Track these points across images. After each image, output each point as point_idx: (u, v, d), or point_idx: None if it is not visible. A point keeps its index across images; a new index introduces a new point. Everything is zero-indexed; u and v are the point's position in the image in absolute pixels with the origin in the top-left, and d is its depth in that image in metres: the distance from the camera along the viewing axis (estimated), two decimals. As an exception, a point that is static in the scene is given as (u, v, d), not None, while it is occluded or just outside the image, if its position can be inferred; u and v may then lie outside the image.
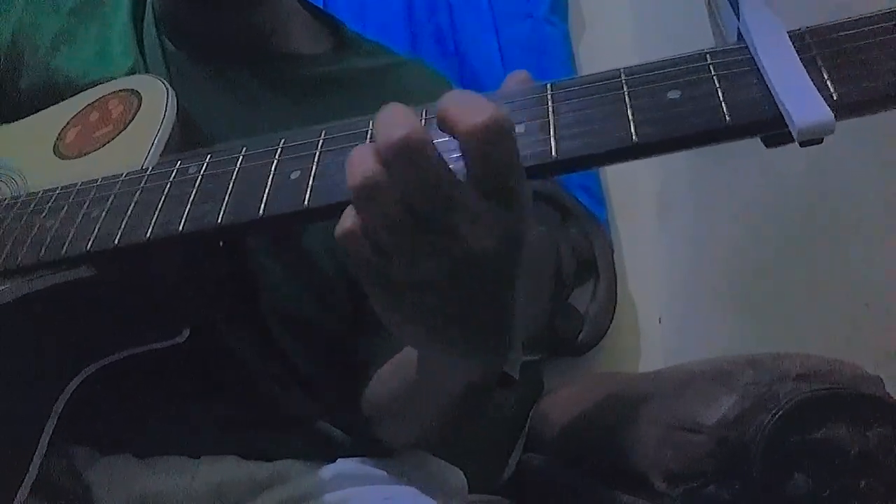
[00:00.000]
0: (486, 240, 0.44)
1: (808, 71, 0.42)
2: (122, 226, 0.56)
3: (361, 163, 0.43)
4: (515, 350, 0.74)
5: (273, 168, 0.53)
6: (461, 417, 0.65)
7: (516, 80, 0.50)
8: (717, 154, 1.28)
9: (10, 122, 0.77)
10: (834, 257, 1.11)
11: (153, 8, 0.82)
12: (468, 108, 0.42)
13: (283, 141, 0.54)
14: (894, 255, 0.99)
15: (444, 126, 0.43)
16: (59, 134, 0.70)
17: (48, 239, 0.58)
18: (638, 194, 1.62)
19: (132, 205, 0.57)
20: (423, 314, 0.48)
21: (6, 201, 0.65)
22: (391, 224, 0.43)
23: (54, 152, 0.69)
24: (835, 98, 0.41)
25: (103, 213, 0.57)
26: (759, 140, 0.45)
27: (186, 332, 0.62)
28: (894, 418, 0.75)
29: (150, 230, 0.54)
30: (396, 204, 0.43)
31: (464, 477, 0.83)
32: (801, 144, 0.41)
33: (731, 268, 1.36)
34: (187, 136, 0.67)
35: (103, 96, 0.72)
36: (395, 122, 0.43)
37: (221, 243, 0.64)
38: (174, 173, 0.57)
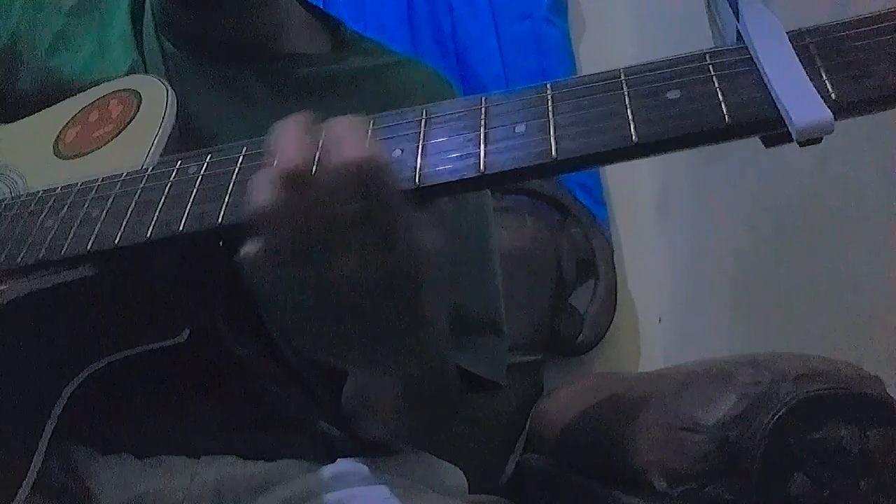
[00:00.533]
0: (360, 266, 0.46)
1: (806, 71, 0.42)
2: (123, 226, 0.56)
3: (259, 190, 0.46)
4: (499, 354, 0.75)
5: None
6: (425, 416, 0.67)
7: None
8: (717, 154, 1.28)
9: (9, 122, 0.77)
10: (834, 257, 1.10)
11: (152, 8, 0.82)
12: (344, 141, 0.46)
13: (283, 141, 0.54)
14: (894, 256, 0.99)
15: (323, 156, 0.46)
16: (59, 134, 0.70)
17: (48, 239, 0.58)
18: (638, 194, 1.62)
19: (132, 205, 0.57)
20: (309, 331, 0.51)
21: (6, 201, 0.65)
22: (282, 246, 0.46)
23: (54, 152, 0.69)
24: (833, 98, 0.41)
25: (103, 213, 0.57)
26: (758, 140, 0.45)
27: (186, 332, 0.62)
28: (894, 418, 0.75)
29: (150, 230, 0.54)
30: (290, 228, 0.45)
31: (464, 477, 0.83)
32: (801, 144, 0.41)
33: (731, 268, 1.36)
34: (187, 135, 0.67)
35: (103, 96, 0.72)
36: (288, 146, 0.46)
37: (221, 243, 0.64)
38: (174, 173, 0.57)
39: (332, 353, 0.55)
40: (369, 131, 0.51)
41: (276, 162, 0.46)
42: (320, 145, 0.47)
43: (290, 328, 0.52)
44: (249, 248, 0.48)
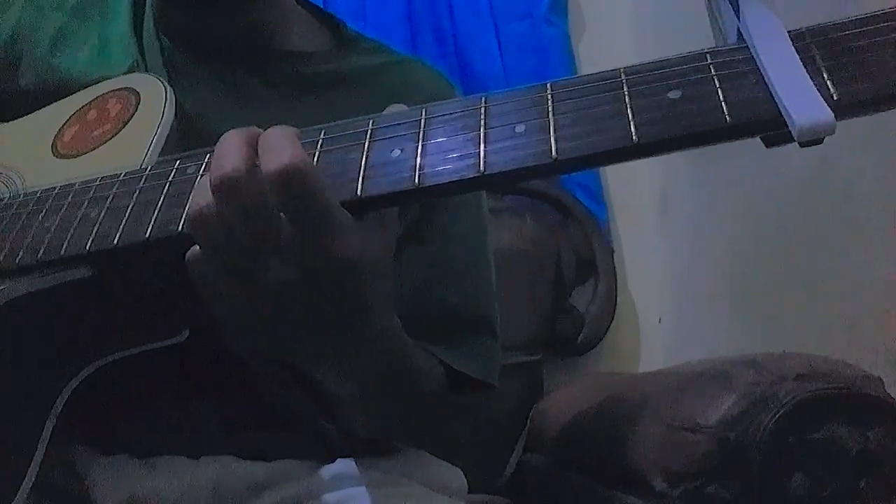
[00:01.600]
0: (291, 272, 0.49)
1: (808, 71, 0.42)
2: (122, 225, 0.56)
3: (195, 196, 0.49)
4: (492, 356, 0.75)
5: None
6: (378, 406, 0.68)
7: None
8: (717, 154, 1.28)
9: (8, 121, 0.77)
10: (834, 257, 1.10)
11: (153, 7, 0.81)
12: (276, 150, 0.47)
13: (282, 140, 0.54)
14: (894, 256, 0.99)
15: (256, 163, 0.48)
16: (58, 133, 0.70)
17: (47, 239, 0.58)
18: (638, 194, 1.62)
19: (131, 204, 0.57)
20: (253, 332, 0.54)
21: (4, 201, 0.65)
22: (216, 251, 0.49)
23: (52, 151, 0.69)
24: (835, 98, 0.41)
25: (102, 213, 0.57)
26: (759, 140, 0.45)
27: (186, 332, 0.62)
28: (894, 418, 0.75)
29: (149, 230, 0.54)
30: (222, 233, 0.48)
31: (464, 477, 0.83)
32: (801, 145, 0.41)
33: (732, 268, 1.36)
34: (186, 135, 0.67)
35: (102, 95, 0.72)
36: (222, 154, 0.48)
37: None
38: (173, 172, 0.57)
39: (277, 353, 0.57)
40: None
41: (211, 170, 0.48)
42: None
43: (236, 329, 0.55)
44: (189, 254, 0.50)
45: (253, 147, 0.49)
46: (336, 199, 0.48)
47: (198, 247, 0.50)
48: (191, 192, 0.54)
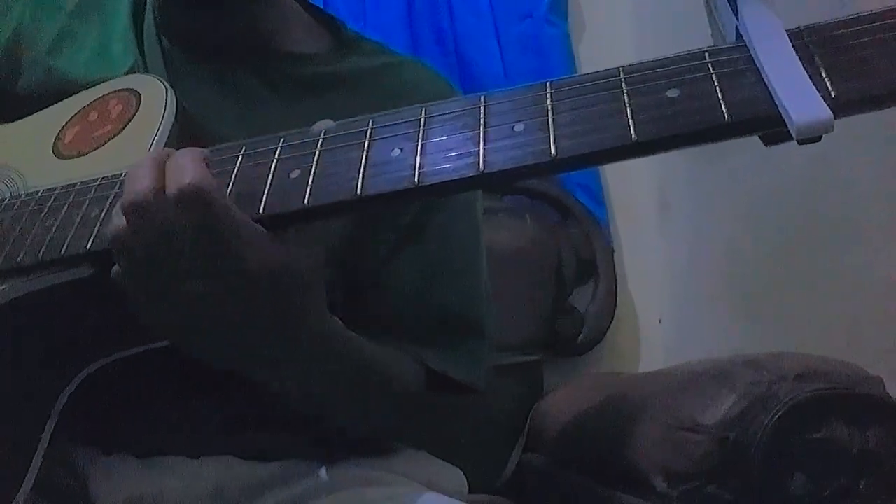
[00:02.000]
0: (204, 284, 0.51)
1: (806, 69, 0.42)
2: (122, 225, 0.56)
3: (112, 218, 0.52)
4: (479, 358, 0.76)
5: (273, 167, 0.53)
6: (338, 405, 0.70)
7: None
8: (716, 153, 1.28)
9: (9, 122, 0.77)
10: (834, 257, 1.11)
11: (153, 8, 0.82)
12: (176, 169, 0.50)
13: (282, 140, 0.54)
14: (894, 256, 0.99)
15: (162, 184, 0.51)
16: (59, 133, 0.70)
17: (47, 239, 0.58)
18: (638, 194, 1.62)
19: None
20: (186, 341, 0.56)
21: (5, 201, 0.65)
22: (134, 266, 0.52)
23: (53, 152, 0.69)
24: (833, 96, 0.41)
25: (103, 213, 0.57)
26: (758, 140, 0.45)
27: (186, 332, 0.62)
28: (894, 418, 0.75)
29: None
30: (139, 251, 0.51)
31: (464, 477, 0.83)
32: (800, 142, 0.41)
33: (732, 268, 1.36)
34: (186, 135, 0.67)
35: (103, 96, 0.72)
36: (132, 177, 0.51)
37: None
38: None
39: (213, 360, 0.59)
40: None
41: (124, 193, 0.51)
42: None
43: (172, 339, 0.57)
44: (113, 270, 0.53)
45: (161, 169, 0.52)
46: (246, 216, 0.51)
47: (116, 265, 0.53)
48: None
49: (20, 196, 0.65)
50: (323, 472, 0.73)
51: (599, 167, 1.54)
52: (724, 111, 0.43)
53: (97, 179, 0.61)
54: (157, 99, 0.68)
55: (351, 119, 0.53)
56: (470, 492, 0.84)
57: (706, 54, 0.46)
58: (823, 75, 0.42)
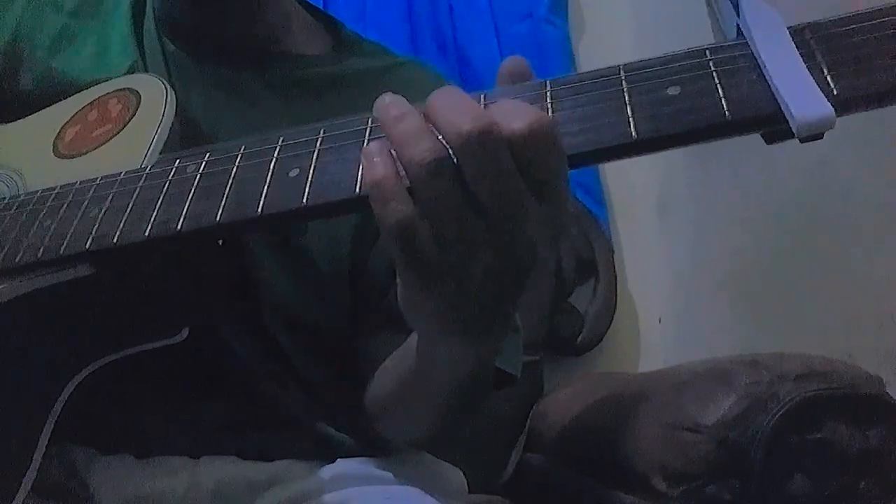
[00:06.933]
0: (531, 235, 0.44)
1: (807, 66, 0.42)
2: (121, 225, 0.56)
3: (422, 145, 0.43)
4: (517, 349, 0.74)
5: (272, 166, 0.53)
6: (458, 411, 0.65)
7: (510, 66, 0.49)
8: (717, 153, 1.28)
9: (9, 122, 0.77)
10: (834, 257, 1.11)
11: (153, 8, 0.82)
12: (512, 111, 0.43)
13: (281, 139, 0.54)
14: (894, 256, 0.99)
15: (492, 129, 0.42)
16: (58, 133, 0.70)
17: (47, 238, 0.58)
18: (638, 194, 1.61)
19: (131, 203, 0.57)
20: (447, 299, 0.47)
21: (5, 201, 0.65)
22: (456, 212, 0.43)
23: (53, 151, 0.69)
24: (835, 93, 0.41)
25: (102, 212, 0.57)
26: (759, 140, 0.45)
27: (186, 332, 0.62)
28: (894, 418, 0.75)
29: (149, 229, 0.54)
30: (463, 192, 0.42)
31: (464, 477, 0.83)
32: (801, 140, 0.41)
33: (731, 268, 1.36)
34: (186, 135, 0.67)
35: (102, 95, 0.72)
36: (460, 110, 0.42)
37: (221, 242, 0.64)
38: (173, 172, 0.57)
39: (453, 312, 0.49)
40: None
41: (448, 122, 0.43)
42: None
43: (420, 287, 0.48)
44: (402, 207, 0.44)
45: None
46: None
47: (410, 208, 0.44)
48: (191, 191, 0.54)
49: (20, 196, 0.65)
50: (323, 472, 0.73)
51: (599, 166, 1.54)
52: (725, 109, 0.43)
53: (97, 179, 0.61)
54: (156, 99, 0.68)
55: (350, 118, 0.53)
56: (470, 492, 0.84)
57: (707, 52, 0.46)
58: (825, 72, 0.42)
